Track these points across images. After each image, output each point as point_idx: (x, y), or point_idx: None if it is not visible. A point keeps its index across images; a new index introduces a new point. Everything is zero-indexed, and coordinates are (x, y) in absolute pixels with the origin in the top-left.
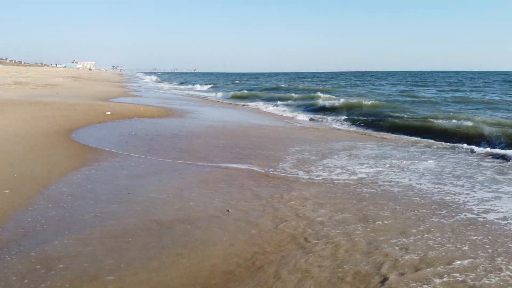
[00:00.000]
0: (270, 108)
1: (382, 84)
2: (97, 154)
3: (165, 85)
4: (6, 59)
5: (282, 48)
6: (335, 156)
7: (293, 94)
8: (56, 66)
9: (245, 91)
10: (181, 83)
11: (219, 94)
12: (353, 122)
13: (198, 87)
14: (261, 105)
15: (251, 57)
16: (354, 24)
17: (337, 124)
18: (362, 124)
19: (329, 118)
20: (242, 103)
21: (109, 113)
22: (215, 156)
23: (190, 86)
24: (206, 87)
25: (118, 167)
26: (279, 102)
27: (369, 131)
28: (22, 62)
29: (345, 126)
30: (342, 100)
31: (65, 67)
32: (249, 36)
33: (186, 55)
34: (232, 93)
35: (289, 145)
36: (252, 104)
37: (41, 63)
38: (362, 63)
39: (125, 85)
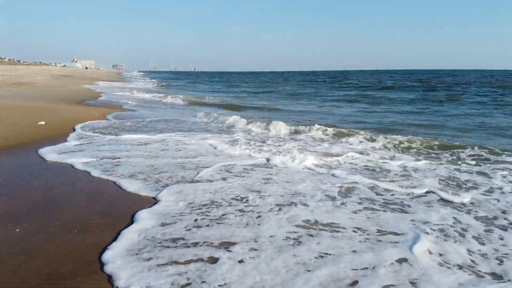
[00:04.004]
0: None
1: None
2: None
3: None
4: (5, 58)
5: (285, 48)
6: None
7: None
8: (56, 65)
9: None
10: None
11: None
12: None
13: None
14: None
15: (250, 57)
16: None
17: None
18: None
19: None
20: None
21: (43, 123)
22: None
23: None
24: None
25: None
26: None
27: None
28: (21, 61)
29: None
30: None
31: (64, 66)
32: (250, 36)
33: (187, 55)
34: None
35: None
36: None
37: (40, 62)
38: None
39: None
